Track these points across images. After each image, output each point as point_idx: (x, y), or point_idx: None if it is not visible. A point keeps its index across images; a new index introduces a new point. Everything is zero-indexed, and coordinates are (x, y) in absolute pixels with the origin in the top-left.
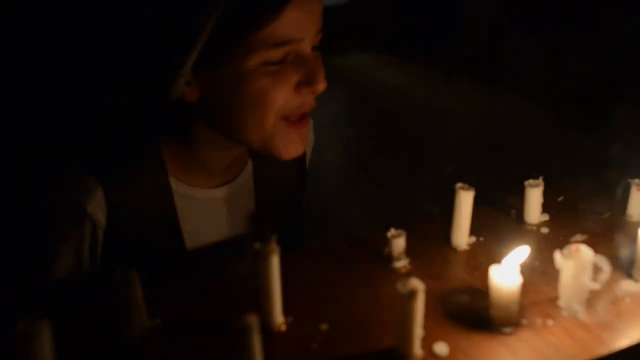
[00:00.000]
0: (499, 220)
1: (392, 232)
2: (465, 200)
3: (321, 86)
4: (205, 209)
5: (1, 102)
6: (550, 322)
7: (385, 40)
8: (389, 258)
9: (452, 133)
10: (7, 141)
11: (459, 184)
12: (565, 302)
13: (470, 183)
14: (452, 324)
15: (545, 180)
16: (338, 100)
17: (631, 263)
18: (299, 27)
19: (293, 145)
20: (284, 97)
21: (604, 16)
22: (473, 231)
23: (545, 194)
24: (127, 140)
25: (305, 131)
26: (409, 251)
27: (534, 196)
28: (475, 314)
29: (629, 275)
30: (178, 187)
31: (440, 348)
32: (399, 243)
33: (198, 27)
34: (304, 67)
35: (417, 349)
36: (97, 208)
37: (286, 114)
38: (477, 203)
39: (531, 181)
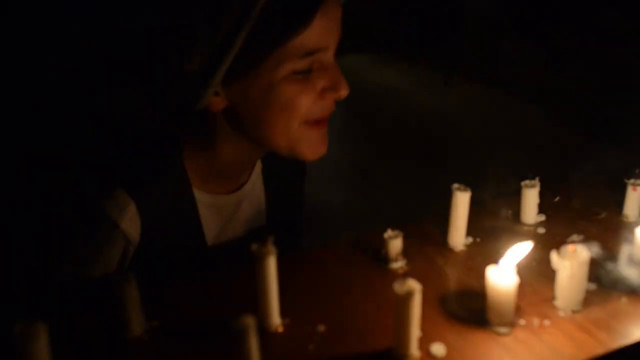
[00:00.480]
0: (495, 221)
1: (389, 233)
2: (461, 201)
3: (344, 92)
4: (225, 214)
5: (26, 112)
6: (547, 322)
7: (383, 40)
8: (386, 259)
9: (450, 133)
10: (37, 157)
11: (456, 185)
12: (561, 302)
13: (467, 184)
14: (449, 324)
15: (541, 181)
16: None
17: (628, 263)
18: (325, 35)
19: (317, 146)
20: (309, 102)
21: (604, 16)
22: (470, 232)
23: (542, 194)
24: (151, 153)
25: (326, 131)
26: (406, 252)
27: (531, 197)
28: (472, 314)
29: (625, 275)
30: (200, 196)
31: (437, 349)
32: (396, 244)
33: (229, 40)
34: (328, 75)
35: (414, 350)
36: (131, 225)
37: (309, 119)
38: (474, 204)
39: (527, 182)
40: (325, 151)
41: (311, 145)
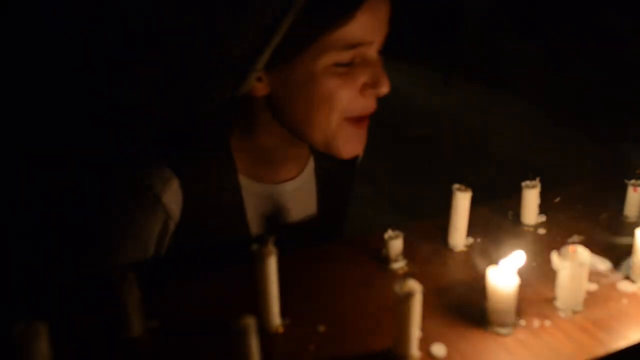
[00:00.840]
0: (496, 221)
1: (389, 233)
2: (462, 201)
3: (385, 89)
4: (270, 205)
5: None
6: (547, 322)
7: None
8: (387, 259)
9: (450, 133)
10: (81, 128)
11: (456, 185)
12: (562, 303)
13: (468, 184)
14: (450, 325)
15: (542, 181)
16: None
17: (628, 264)
18: (369, 30)
19: (353, 144)
20: (349, 97)
21: (604, 16)
22: (470, 232)
23: (542, 195)
24: (199, 134)
25: (365, 132)
26: (406, 252)
27: (531, 197)
28: (472, 315)
29: (626, 276)
30: (245, 182)
31: (438, 349)
32: (396, 244)
33: (274, 25)
34: (370, 70)
35: (415, 350)
36: (172, 199)
37: (349, 116)
38: (474, 204)
39: (528, 182)
40: (362, 151)
41: (347, 143)
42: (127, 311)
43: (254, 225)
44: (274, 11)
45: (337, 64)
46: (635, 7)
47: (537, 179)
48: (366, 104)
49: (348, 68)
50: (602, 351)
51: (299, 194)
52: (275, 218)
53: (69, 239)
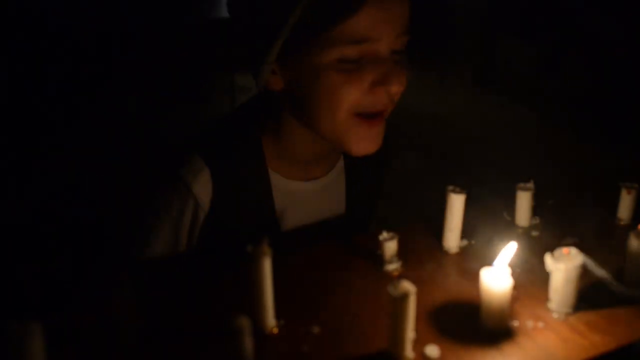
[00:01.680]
0: (490, 223)
1: (384, 235)
2: (456, 203)
3: (395, 87)
4: (298, 201)
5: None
6: (540, 324)
7: None
8: (381, 261)
9: (445, 135)
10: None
11: (450, 187)
12: (555, 305)
13: (462, 186)
14: (444, 326)
15: (536, 184)
16: None
17: (621, 266)
18: (376, 26)
19: (364, 142)
20: (355, 95)
21: (598, 18)
22: (465, 234)
23: (536, 197)
24: (231, 128)
25: (378, 130)
26: (401, 254)
27: (525, 199)
28: (466, 316)
29: (619, 277)
30: (274, 178)
31: (432, 350)
32: (391, 246)
33: (283, 18)
34: (380, 68)
35: (409, 352)
36: (203, 189)
37: (359, 111)
38: (469, 206)
39: (522, 184)
40: (374, 149)
41: (358, 140)
42: (122, 314)
43: (282, 220)
44: (281, 5)
45: (344, 60)
46: (629, 9)
47: (531, 181)
48: (375, 100)
49: (356, 65)
50: (594, 352)
51: (328, 191)
52: (303, 214)
53: (99, 229)
